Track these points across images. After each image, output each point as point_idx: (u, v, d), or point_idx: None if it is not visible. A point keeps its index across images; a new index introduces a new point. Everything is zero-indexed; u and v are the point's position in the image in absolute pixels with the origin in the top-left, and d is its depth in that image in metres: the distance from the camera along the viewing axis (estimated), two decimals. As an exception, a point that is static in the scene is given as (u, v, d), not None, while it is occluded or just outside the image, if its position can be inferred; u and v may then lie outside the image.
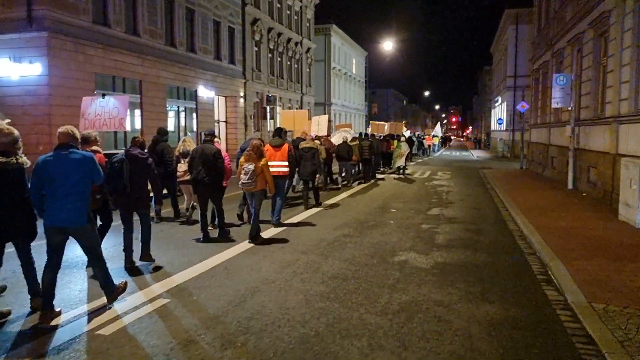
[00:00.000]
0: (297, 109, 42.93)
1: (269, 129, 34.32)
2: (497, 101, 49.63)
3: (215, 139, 9.12)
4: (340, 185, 16.54)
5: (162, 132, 10.24)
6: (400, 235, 8.72)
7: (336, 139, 18.46)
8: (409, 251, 7.57)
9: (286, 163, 9.57)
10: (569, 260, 6.63)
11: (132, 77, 21.56)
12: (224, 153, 9.03)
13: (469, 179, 20.24)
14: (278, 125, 28.76)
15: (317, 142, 14.39)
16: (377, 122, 34.84)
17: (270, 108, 36.00)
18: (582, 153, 14.56)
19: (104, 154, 6.85)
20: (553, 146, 18.84)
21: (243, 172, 7.92)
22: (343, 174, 17.12)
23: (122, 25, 20.70)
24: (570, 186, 15.09)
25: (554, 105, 15.31)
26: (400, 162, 21.67)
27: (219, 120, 30.93)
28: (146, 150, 7.50)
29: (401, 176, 21.18)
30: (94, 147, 6.44)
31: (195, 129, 26.97)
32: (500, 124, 41.08)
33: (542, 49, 21.45)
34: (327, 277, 6.16)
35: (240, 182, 8.02)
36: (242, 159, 8.10)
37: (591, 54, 14.01)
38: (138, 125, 22.41)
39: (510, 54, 39.16)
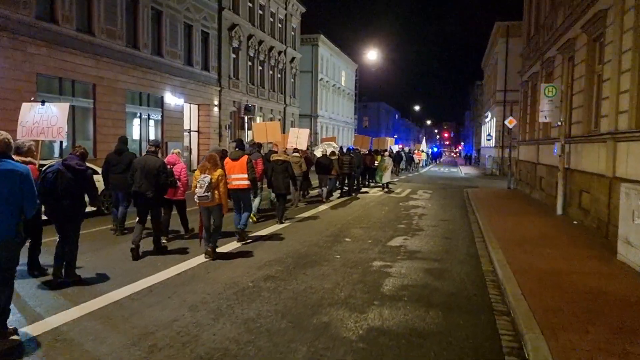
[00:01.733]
0: (279, 119, 41.23)
1: (247, 140, 32.51)
2: (487, 116, 48.10)
3: (175, 152, 9.42)
4: (323, 199, 16.09)
5: (125, 141, 10.10)
6: (338, 279, 6.78)
7: (317, 152, 18.37)
8: (339, 306, 5.63)
9: (245, 175, 9.14)
10: (554, 331, 4.72)
11: (83, 80, 19.63)
12: (180, 165, 9.13)
13: (450, 199, 18.39)
14: (251, 138, 27.66)
15: (297, 154, 15.25)
16: (363, 136, 33.67)
17: (248, 118, 34.22)
18: (573, 174, 12.76)
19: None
20: (542, 165, 17.06)
21: (198, 185, 7.37)
22: (322, 188, 16.60)
23: (73, 23, 18.81)
24: (559, 211, 13.27)
25: (541, 120, 13.52)
26: (386, 177, 21.17)
27: (190, 129, 29.03)
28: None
29: (387, 189, 21.04)
30: (28, 158, 6.27)
31: (160, 138, 25.02)
32: (489, 140, 39.48)
33: (532, 60, 19.77)
34: (196, 356, 4.21)
35: (195, 197, 7.44)
36: (196, 172, 7.65)
37: (584, 62, 12.27)
38: (90, 133, 20.47)
39: (500, 68, 37.65)
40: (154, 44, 24.36)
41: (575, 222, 11.95)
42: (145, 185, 7.63)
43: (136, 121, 23.65)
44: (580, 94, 12.48)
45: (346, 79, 65.05)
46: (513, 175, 23.90)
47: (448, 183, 27.53)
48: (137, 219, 7.85)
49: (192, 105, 29.14)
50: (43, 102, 9.03)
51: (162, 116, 25.18)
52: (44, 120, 8.52)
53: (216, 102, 30.71)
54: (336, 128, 59.89)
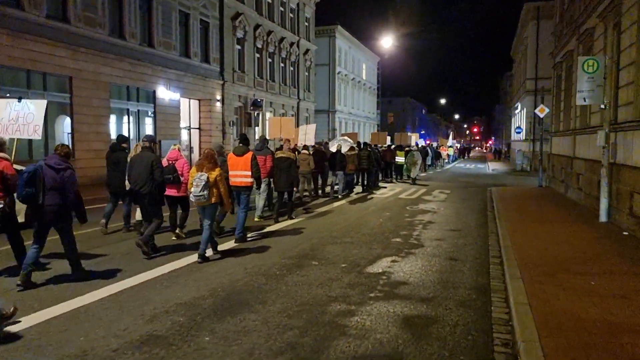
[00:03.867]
0: (292, 115, 38.95)
1: (255, 137, 30.32)
2: (516, 108, 44.70)
3: (175, 147, 9.11)
4: (339, 195, 16.07)
5: (122, 139, 9.74)
6: (259, 342, 4.34)
7: (333, 148, 18.07)
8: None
9: (249, 173, 8.71)
10: None
11: (57, 72, 17.70)
12: (182, 160, 8.88)
13: (469, 201, 15.71)
14: (262, 134, 27.38)
15: (306, 152, 15.10)
16: (379, 132, 34.47)
17: (256, 113, 32.03)
18: (621, 171, 10.00)
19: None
20: (579, 160, 14.23)
21: (194, 183, 7.07)
22: (337, 185, 16.54)
23: (42, 9, 16.86)
24: (603, 218, 10.53)
25: (579, 102, 10.76)
26: (415, 171, 22.01)
27: (189, 126, 26.98)
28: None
29: (414, 184, 21.39)
30: (1, 154, 6.19)
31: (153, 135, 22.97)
32: (518, 133, 36.28)
33: (566, 36, 16.86)
34: None
35: (191, 195, 7.19)
36: (193, 169, 7.37)
37: (635, 26, 9.49)
38: (67, 130, 18.55)
39: (530, 54, 34.44)
40: (144, 33, 22.34)
41: (625, 233, 9.22)
42: (140, 182, 7.43)
43: (125, 118, 21.67)
44: (630, 68, 9.70)
45: (367, 72, 62.22)
46: (545, 171, 20.98)
47: (471, 181, 24.69)
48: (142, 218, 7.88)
49: (192, 100, 27.11)
50: (20, 98, 8.73)
51: (154, 112, 23.14)
52: (20, 117, 8.34)
53: (218, 97, 28.59)
54: (356, 123, 57.26)
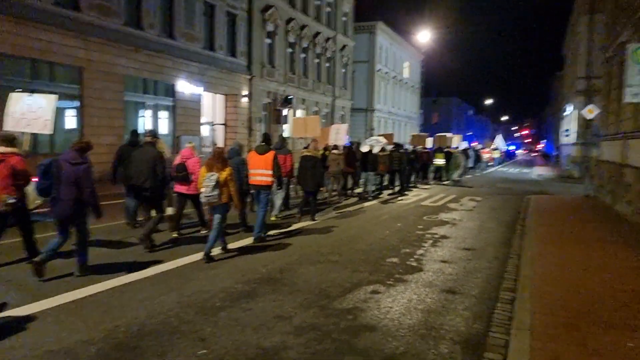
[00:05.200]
0: (326, 113, 37.66)
1: (285, 136, 29.18)
2: (565, 110, 41.70)
3: (190, 145, 8.92)
4: (369, 197, 15.91)
5: (136, 135, 9.93)
6: None
7: (364, 148, 17.60)
8: None
9: (270, 172, 8.56)
10: None
11: (66, 63, 17.00)
12: (195, 159, 8.65)
13: (500, 210, 13.91)
14: (280, 132, 26.96)
15: (336, 151, 14.83)
16: (419, 134, 33.03)
17: (287, 110, 30.89)
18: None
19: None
20: (629, 167, 12.21)
21: (204, 184, 6.93)
22: (368, 185, 16.40)
23: (50, -5, 16.15)
24: (655, 241, 8.64)
25: (627, 99, 8.89)
26: (457, 174, 22.57)
27: (213, 122, 26.08)
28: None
29: (454, 186, 21.09)
30: (13, 149, 6.26)
31: (171, 130, 22.17)
32: (567, 136, 33.60)
33: (619, 26, 14.72)
34: None
35: (202, 196, 7.04)
36: (202, 169, 7.21)
37: None
38: (74, 124, 17.84)
39: (582, 51, 31.68)
40: (164, 24, 21.48)
41: (683, 263, 7.37)
42: (141, 177, 7.44)
43: (141, 111, 20.90)
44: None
45: (410, 70, 60.01)
46: (592, 179, 18.76)
47: (510, 187, 22.58)
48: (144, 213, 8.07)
49: (218, 95, 26.20)
50: (31, 92, 8.89)
51: (173, 106, 22.29)
52: (31, 111, 8.37)
53: (245, 92, 27.54)
54: (396, 123, 55.30)
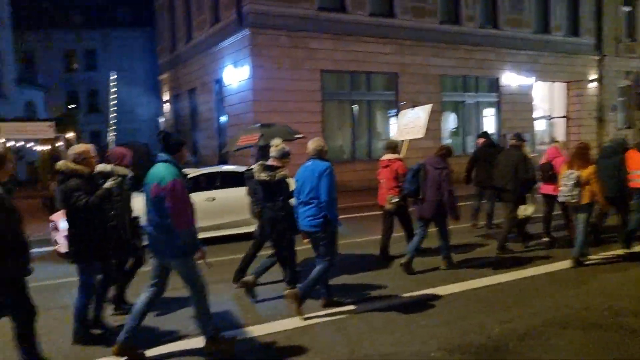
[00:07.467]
0: None
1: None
2: None
3: (555, 144, 8.78)
4: None
5: (487, 136, 10.20)
6: None
7: None
8: None
9: None
10: None
11: (381, 70, 17.52)
12: (560, 159, 7.90)
13: None
14: None
15: None
16: None
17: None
18: None
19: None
20: None
21: (563, 182, 6.84)
22: None
23: (365, 8, 16.87)
24: None
25: None
26: None
27: (549, 116, 22.76)
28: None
29: None
30: (394, 155, 7.33)
31: (496, 128, 20.27)
32: None
33: None
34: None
35: (560, 195, 6.90)
36: (563, 167, 7.05)
37: None
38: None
39: None
40: (486, 13, 19.79)
41: None
42: (504, 180, 7.60)
43: (460, 112, 19.80)
44: None
45: None
46: None
47: None
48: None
49: (556, 83, 22.74)
50: (413, 106, 9.76)
51: (497, 102, 20.33)
52: (411, 121, 9.30)
53: (593, 77, 22.97)
54: None
